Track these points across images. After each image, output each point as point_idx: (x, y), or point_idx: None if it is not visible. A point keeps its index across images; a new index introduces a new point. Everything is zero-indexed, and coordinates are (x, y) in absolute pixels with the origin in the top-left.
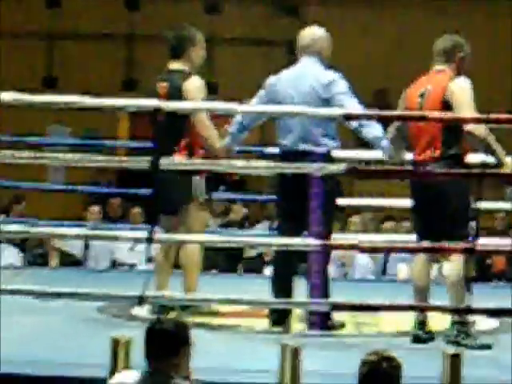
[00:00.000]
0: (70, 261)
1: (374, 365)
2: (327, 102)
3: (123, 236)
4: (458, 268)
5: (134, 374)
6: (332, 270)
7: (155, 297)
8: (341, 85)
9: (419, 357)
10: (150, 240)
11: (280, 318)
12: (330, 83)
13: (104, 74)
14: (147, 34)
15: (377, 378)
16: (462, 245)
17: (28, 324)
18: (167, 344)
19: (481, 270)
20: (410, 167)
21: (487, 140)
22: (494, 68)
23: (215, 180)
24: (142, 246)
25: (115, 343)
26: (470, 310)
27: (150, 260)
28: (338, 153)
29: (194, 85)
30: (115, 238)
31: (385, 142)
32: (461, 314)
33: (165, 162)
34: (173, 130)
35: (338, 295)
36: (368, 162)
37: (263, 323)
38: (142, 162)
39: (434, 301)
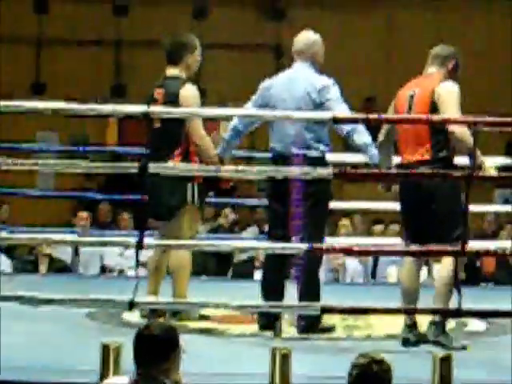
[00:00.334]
0: (59, 267)
1: (364, 368)
2: (320, 106)
3: (113, 242)
4: (448, 270)
5: (124, 380)
6: (322, 274)
7: (145, 302)
8: (333, 91)
9: (409, 360)
10: (139, 245)
11: (269, 322)
12: (323, 88)
13: (92, 80)
14: (135, 39)
15: (367, 380)
16: (451, 247)
17: (17, 331)
18: (157, 349)
19: (470, 272)
20: (399, 170)
21: (469, 142)
22: (492, 67)
23: (207, 187)
24: (131, 252)
25: (105, 349)
26: (459, 313)
27: (139, 265)
28: (329, 156)
29: (192, 92)
30: (104, 244)
31: (373, 150)
32: (450, 316)
33: (153, 166)
34: (169, 137)
35: (328, 299)
36: (355, 166)
37: (254, 328)
38: (133, 168)
39: (423, 304)
